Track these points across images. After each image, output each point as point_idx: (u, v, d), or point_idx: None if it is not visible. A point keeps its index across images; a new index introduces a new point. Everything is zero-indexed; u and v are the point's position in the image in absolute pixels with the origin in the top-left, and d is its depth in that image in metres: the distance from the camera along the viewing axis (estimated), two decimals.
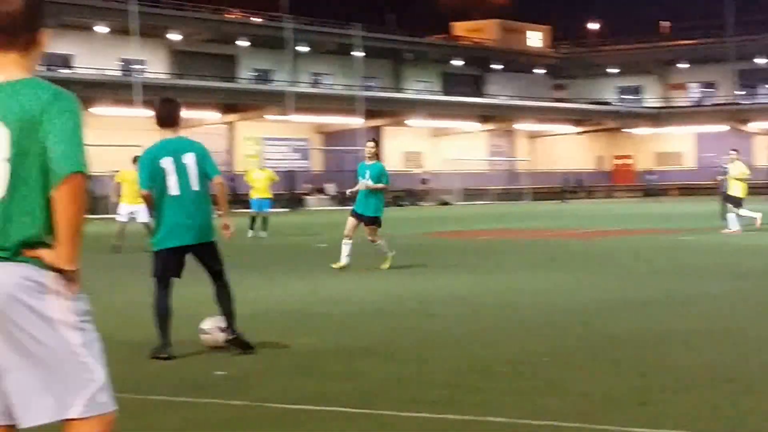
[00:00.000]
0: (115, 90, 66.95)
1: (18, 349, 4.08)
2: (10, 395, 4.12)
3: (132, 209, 26.52)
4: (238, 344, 10.47)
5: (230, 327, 10.56)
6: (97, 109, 62.98)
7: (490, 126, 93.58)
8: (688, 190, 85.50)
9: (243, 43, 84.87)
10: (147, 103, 66.79)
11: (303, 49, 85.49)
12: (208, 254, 10.79)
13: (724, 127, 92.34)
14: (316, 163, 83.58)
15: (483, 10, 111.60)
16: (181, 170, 10.52)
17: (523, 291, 16.17)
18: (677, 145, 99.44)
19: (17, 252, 4.07)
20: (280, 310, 14.15)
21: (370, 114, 79.58)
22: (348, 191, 21.44)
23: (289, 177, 70.56)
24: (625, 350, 10.35)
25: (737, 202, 30.60)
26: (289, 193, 69.50)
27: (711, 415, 7.45)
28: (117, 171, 29.83)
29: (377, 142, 21.69)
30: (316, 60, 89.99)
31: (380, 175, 19.91)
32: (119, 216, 27.04)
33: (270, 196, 33.61)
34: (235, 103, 77.32)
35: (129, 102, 65.59)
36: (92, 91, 63.34)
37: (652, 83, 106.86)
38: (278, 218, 53.18)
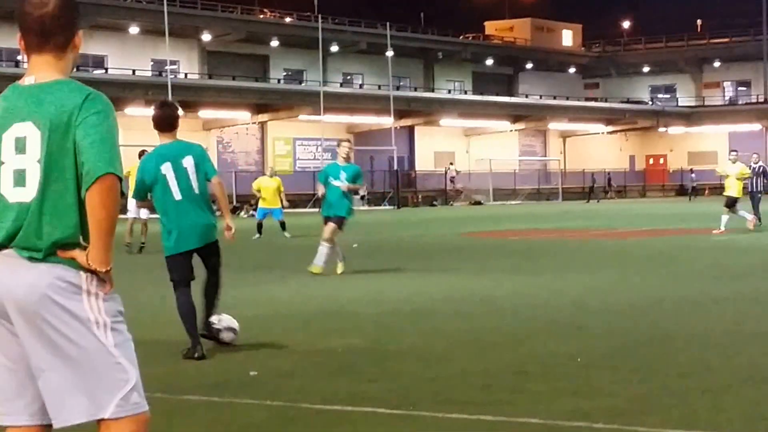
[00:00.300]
0: (148, 90, 67.16)
1: (52, 350, 4.10)
2: (45, 395, 4.15)
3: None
4: (211, 336, 10.71)
5: (207, 318, 10.79)
6: (129, 110, 63.39)
7: (521, 125, 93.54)
8: (720, 190, 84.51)
9: (274, 43, 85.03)
10: (179, 104, 67.03)
11: (334, 48, 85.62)
12: (212, 253, 11.02)
13: (756, 126, 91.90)
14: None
15: (514, 9, 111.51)
16: (181, 174, 10.63)
17: (556, 291, 16.05)
18: (710, 145, 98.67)
19: (51, 253, 4.09)
20: (312, 310, 14.10)
21: (401, 114, 79.64)
22: (319, 193, 20.53)
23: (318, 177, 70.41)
24: (659, 351, 10.28)
25: (733, 203, 30.35)
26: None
27: (747, 416, 7.38)
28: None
29: (351, 143, 20.85)
30: (347, 60, 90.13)
31: (356, 177, 19.24)
32: (129, 212, 26.86)
33: (278, 205, 33.17)
34: (266, 104, 77.46)
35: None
36: (125, 91, 63.71)
37: (685, 82, 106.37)
38: (310, 218, 53.18)
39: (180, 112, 11.58)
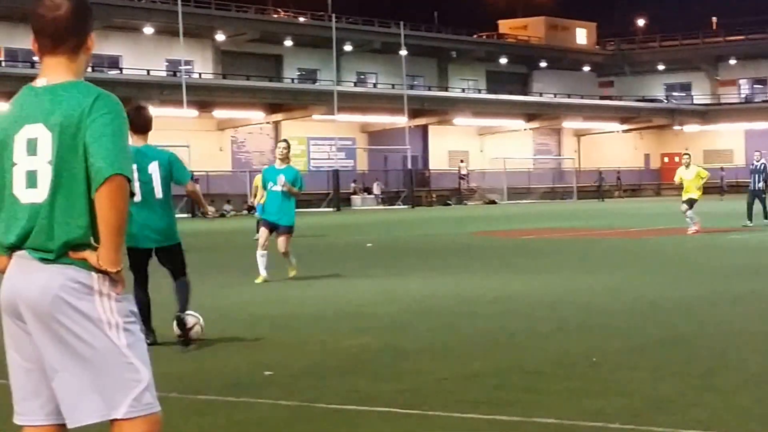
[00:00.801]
0: (162, 91, 67.31)
1: (66, 350, 4.12)
2: (59, 395, 4.18)
3: None
4: (180, 327, 11.09)
5: (180, 313, 11.16)
6: (150, 110, 63.28)
7: (535, 124, 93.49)
8: (736, 188, 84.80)
9: (288, 42, 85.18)
10: (194, 104, 67.48)
11: (348, 48, 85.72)
12: (169, 257, 11.41)
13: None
14: (361, 163, 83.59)
15: (528, 7, 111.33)
16: (146, 178, 11.00)
17: (569, 290, 16.05)
18: (726, 143, 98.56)
19: (62, 254, 4.12)
20: (325, 310, 14.14)
21: (415, 113, 79.58)
22: (251, 201, 19.80)
23: (334, 176, 70.81)
24: (675, 350, 10.24)
25: (691, 204, 30.46)
26: (335, 192, 69.49)
27: (765, 417, 7.35)
28: None
29: (289, 144, 19.39)
30: (361, 59, 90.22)
31: (295, 180, 18.29)
32: None
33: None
34: (280, 103, 77.54)
35: (176, 102, 65.96)
36: (139, 91, 63.77)
37: (700, 80, 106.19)
38: (324, 217, 53.32)
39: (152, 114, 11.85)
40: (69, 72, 4.29)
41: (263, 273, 18.14)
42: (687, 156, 31.17)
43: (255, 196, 26.52)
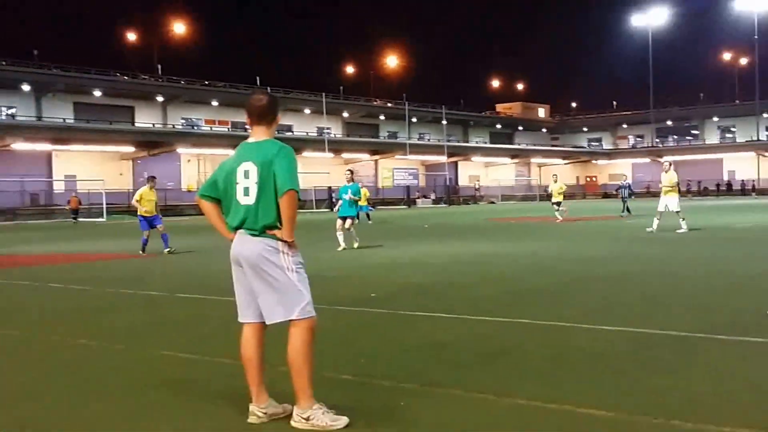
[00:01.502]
0: (313, 144, 67.66)
1: (264, 283, 4.17)
2: (261, 307, 4.23)
3: None
4: None
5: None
6: (305, 154, 63.87)
7: (516, 161, 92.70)
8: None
9: (382, 117, 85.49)
10: (331, 150, 67.62)
11: (414, 119, 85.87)
12: None
13: (647, 160, 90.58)
14: (421, 181, 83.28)
15: (512, 96, 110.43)
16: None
17: (536, 248, 15.44)
18: (621, 170, 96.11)
19: (262, 231, 4.17)
20: (401, 260, 13.84)
21: (450, 155, 79.59)
22: (336, 207, 19.01)
23: (406, 189, 71.08)
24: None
25: (558, 204, 29.27)
26: (407, 197, 69.62)
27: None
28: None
29: (352, 171, 18.38)
30: (421, 125, 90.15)
31: (356, 192, 17.32)
32: None
33: (366, 203, 29.11)
34: (378, 150, 77.84)
35: (321, 150, 66.33)
36: (301, 144, 64.24)
37: (607, 136, 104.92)
38: (400, 212, 53.33)
39: None
40: (266, 134, 4.33)
41: (342, 244, 16.84)
42: (555, 175, 30.82)
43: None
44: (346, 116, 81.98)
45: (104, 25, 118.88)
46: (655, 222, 20.05)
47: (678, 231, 19.37)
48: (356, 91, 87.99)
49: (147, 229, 17.15)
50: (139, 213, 17.41)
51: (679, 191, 20.46)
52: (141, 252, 16.87)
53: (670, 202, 19.91)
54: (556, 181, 30.04)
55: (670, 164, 20.50)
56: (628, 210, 32.72)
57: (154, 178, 17.75)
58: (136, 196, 17.44)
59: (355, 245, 17.12)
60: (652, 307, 7.88)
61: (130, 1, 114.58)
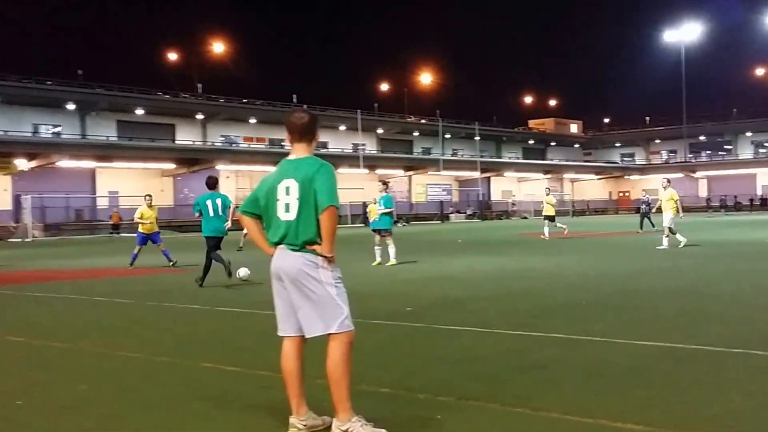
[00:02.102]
0: (348, 160, 67.87)
1: (303, 297, 4.18)
2: (300, 320, 4.24)
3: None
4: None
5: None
6: (340, 170, 64.14)
7: (549, 176, 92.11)
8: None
9: (416, 133, 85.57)
10: (366, 166, 67.86)
11: (447, 136, 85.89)
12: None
13: (680, 175, 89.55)
14: (455, 196, 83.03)
15: (545, 112, 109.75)
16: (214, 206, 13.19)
17: (566, 264, 15.37)
18: (654, 185, 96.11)
19: (302, 246, 4.19)
20: (434, 275, 13.88)
21: (483, 170, 79.50)
22: (370, 221, 18.70)
23: (440, 204, 70.98)
24: (612, 296, 9.84)
25: (552, 219, 27.88)
26: (441, 213, 69.43)
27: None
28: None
29: (384, 182, 17.40)
30: (455, 141, 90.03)
31: (387, 201, 16.67)
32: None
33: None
34: (411, 165, 77.87)
35: (356, 166, 66.52)
36: (337, 160, 64.47)
37: (640, 151, 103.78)
38: (434, 226, 53.17)
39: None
40: (306, 151, 4.37)
41: (378, 258, 16.79)
42: (548, 188, 29.87)
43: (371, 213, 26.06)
44: (380, 133, 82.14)
45: (146, 45, 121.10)
46: (665, 240, 20.04)
47: (658, 247, 19.59)
48: (390, 108, 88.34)
49: (141, 244, 18.18)
50: (140, 229, 18.31)
51: (678, 210, 20.50)
52: (130, 266, 17.73)
53: (664, 217, 20.19)
54: (548, 194, 28.34)
55: (669, 181, 21.09)
56: (651, 224, 31.56)
57: (150, 196, 18.78)
58: (137, 214, 18.44)
59: (388, 263, 16.54)
60: (684, 321, 7.80)
61: (172, 21, 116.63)
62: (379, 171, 74.35)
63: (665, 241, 19.81)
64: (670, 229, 19.93)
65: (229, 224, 13.52)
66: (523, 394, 4.99)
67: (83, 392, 5.45)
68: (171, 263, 17.76)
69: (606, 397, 4.87)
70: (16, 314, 10.13)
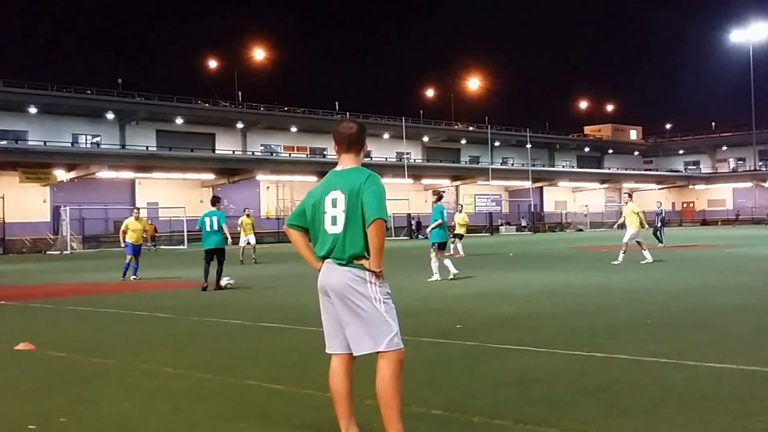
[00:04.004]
0: (392, 169, 68.13)
1: (351, 313, 4.17)
2: (348, 338, 4.23)
3: (248, 238, 26.69)
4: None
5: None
6: (384, 180, 63.92)
7: (606, 186, 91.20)
8: (730, 222, 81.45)
9: (463, 141, 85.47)
10: (410, 176, 67.95)
11: (497, 143, 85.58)
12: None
13: (749, 184, 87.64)
14: (504, 207, 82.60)
15: (601, 117, 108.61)
16: (210, 222, 16.22)
17: (626, 280, 15.14)
18: (720, 195, 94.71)
19: (350, 261, 4.17)
20: (486, 291, 13.80)
21: (535, 179, 79.15)
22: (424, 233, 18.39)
23: (489, 216, 70.59)
24: (676, 314, 9.63)
25: (460, 237, 26.49)
26: (490, 225, 69.07)
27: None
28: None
29: (436, 193, 16.54)
30: (504, 149, 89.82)
31: (435, 212, 16.24)
32: (241, 242, 26.54)
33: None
34: (458, 175, 77.91)
35: (401, 175, 66.65)
36: (381, 170, 64.69)
37: (705, 159, 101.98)
38: (483, 239, 52.92)
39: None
40: (354, 162, 4.38)
41: (435, 275, 16.45)
42: (460, 205, 27.99)
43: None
44: (426, 141, 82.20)
45: (186, 54, 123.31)
46: (646, 253, 20.65)
47: (613, 262, 20.28)
48: (436, 115, 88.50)
49: (131, 254, 19.52)
50: (127, 239, 19.57)
51: (642, 224, 20.94)
52: (122, 278, 19.16)
53: (627, 231, 20.79)
54: (460, 211, 26.54)
55: (630, 195, 21.84)
56: (659, 239, 30.71)
57: (138, 209, 20.72)
58: (123, 227, 19.84)
59: (432, 278, 16.33)
60: (755, 342, 7.62)
61: (211, 30, 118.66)
62: (425, 181, 74.38)
63: (621, 257, 20.40)
64: (639, 243, 20.52)
65: (229, 240, 16.39)
66: (585, 419, 4.91)
67: (127, 410, 5.54)
68: (134, 277, 19.28)
69: (678, 423, 4.75)
70: (57, 329, 10.37)
